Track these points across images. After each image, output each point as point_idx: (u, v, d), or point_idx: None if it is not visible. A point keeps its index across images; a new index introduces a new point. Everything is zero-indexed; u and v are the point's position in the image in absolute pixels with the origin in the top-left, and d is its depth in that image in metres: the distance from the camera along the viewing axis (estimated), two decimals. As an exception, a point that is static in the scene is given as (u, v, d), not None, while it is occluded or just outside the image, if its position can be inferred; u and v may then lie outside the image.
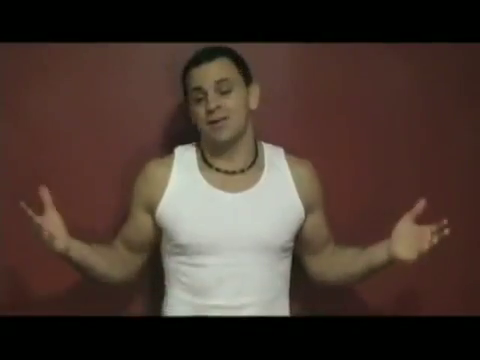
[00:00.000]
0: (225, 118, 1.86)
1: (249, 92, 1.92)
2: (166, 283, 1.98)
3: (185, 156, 1.95)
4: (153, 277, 2.08)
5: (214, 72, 1.87)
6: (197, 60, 1.89)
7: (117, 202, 2.10)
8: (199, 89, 1.87)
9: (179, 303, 1.93)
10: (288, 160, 1.97)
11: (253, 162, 1.94)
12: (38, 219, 1.76)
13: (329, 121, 2.21)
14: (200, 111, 1.88)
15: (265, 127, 2.00)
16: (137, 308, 2.17)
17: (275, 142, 2.01)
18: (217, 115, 1.85)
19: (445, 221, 1.82)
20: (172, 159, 1.94)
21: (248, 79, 1.93)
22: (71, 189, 2.09)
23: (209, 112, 1.85)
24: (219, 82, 1.86)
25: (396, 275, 2.06)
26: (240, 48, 1.94)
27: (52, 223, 1.79)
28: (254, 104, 1.93)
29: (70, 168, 2.11)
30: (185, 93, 1.94)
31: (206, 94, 1.86)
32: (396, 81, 2.23)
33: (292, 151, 2.00)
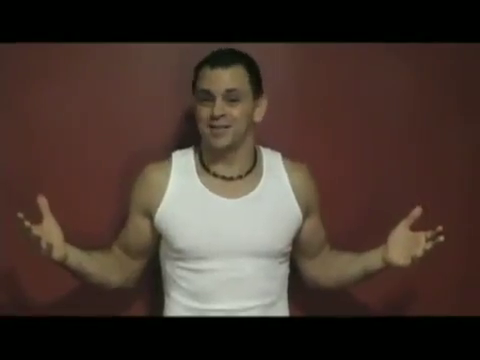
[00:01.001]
0: (227, 126, 1.85)
1: (256, 104, 1.91)
2: (165, 288, 1.99)
3: (183, 161, 1.94)
4: (153, 281, 2.08)
5: (227, 80, 1.85)
6: (213, 62, 1.86)
7: (116, 207, 2.10)
8: (208, 92, 1.86)
9: (178, 308, 1.94)
10: (285, 165, 1.97)
11: (251, 168, 1.93)
12: (36, 230, 1.74)
13: (328, 122, 2.20)
14: (204, 112, 1.87)
15: (264, 129, 1.99)
16: (137, 313, 2.16)
17: (274, 144, 2.01)
18: (220, 122, 1.85)
19: (440, 228, 1.82)
20: (170, 164, 1.93)
21: (258, 91, 1.91)
22: (70, 193, 2.08)
23: (213, 118, 1.85)
24: (229, 91, 1.85)
25: (394, 277, 2.07)
26: (240, 48, 1.92)
27: (50, 232, 1.78)
28: (259, 117, 1.93)
29: (69, 171, 2.10)
30: (193, 89, 1.92)
31: (214, 99, 1.85)
32: (396, 82, 2.21)
33: (291, 153, 2.00)
